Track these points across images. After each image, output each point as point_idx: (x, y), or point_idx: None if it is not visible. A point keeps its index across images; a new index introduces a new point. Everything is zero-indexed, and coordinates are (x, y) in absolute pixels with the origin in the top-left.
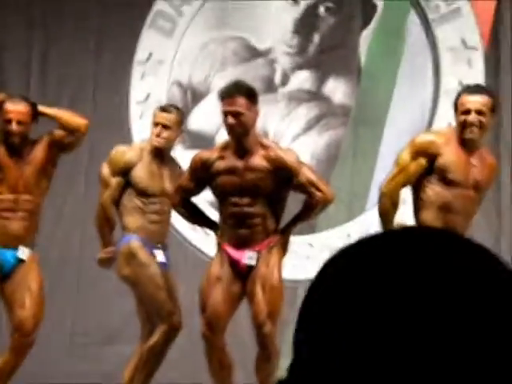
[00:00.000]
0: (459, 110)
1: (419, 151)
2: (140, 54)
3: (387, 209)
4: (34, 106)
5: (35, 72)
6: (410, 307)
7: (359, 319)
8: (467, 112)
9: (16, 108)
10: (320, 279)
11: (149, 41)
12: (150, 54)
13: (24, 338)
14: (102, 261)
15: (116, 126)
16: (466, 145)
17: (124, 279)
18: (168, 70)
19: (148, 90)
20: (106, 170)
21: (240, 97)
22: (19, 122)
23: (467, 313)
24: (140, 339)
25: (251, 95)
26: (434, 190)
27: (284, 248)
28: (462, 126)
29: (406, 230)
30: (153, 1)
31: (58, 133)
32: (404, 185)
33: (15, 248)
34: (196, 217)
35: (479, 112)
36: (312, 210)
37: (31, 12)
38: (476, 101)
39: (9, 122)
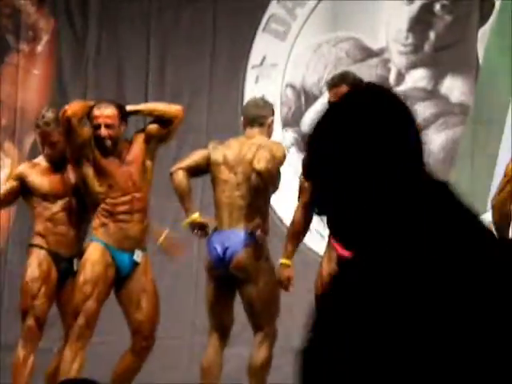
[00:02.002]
0: None
1: None
2: (254, 57)
3: (497, 222)
4: (121, 108)
5: (152, 80)
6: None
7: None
8: None
9: (103, 112)
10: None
11: (262, 44)
12: (264, 58)
13: (144, 341)
14: None
15: (231, 129)
16: None
17: (252, 268)
18: (281, 73)
19: (262, 93)
20: None
21: (345, 86)
22: (107, 126)
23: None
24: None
25: (357, 85)
26: None
27: None
28: None
29: None
30: (266, 5)
31: (153, 127)
32: None
33: (131, 251)
34: None
35: None
36: None
37: (147, 20)
38: None
39: (98, 127)
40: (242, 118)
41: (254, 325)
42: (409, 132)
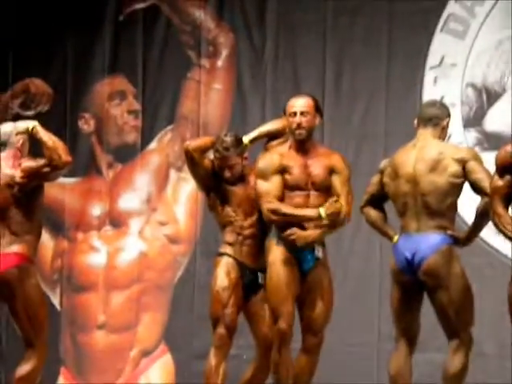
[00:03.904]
0: None
1: None
2: (432, 58)
3: None
4: (316, 100)
5: (329, 85)
6: None
7: None
8: None
9: (298, 102)
10: None
11: (441, 44)
12: (443, 58)
13: (314, 337)
14: None
15: (409, 132)
16: None
17: (444, 273)
18: (461, 73)
19: (441, 94)
20: None
21: None
22: (302, 113)
23: None
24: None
25: None
26: None
27: None
28: None
29: None
30: (443, 5)
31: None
32: None
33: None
34: None
35: None
36: None
37: (323, 26)
38: None
39: (294, 114)
40: (415, 119)
41: (447, 332)
42: None
